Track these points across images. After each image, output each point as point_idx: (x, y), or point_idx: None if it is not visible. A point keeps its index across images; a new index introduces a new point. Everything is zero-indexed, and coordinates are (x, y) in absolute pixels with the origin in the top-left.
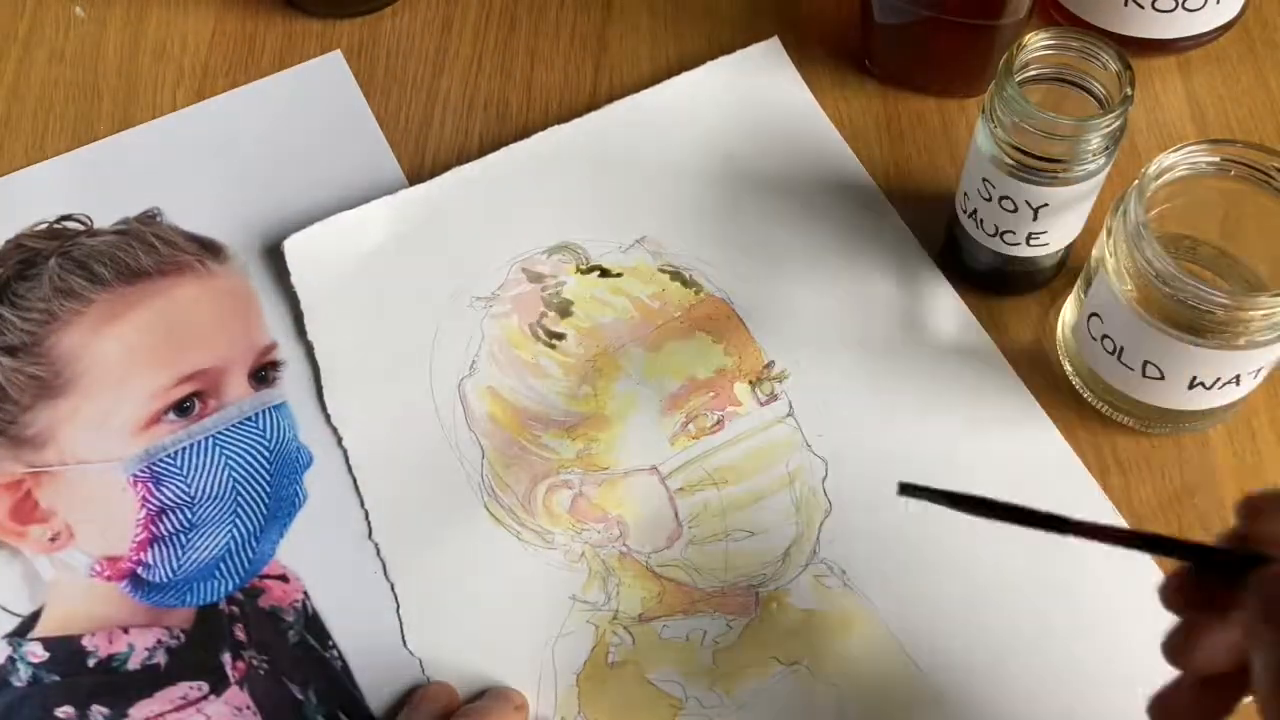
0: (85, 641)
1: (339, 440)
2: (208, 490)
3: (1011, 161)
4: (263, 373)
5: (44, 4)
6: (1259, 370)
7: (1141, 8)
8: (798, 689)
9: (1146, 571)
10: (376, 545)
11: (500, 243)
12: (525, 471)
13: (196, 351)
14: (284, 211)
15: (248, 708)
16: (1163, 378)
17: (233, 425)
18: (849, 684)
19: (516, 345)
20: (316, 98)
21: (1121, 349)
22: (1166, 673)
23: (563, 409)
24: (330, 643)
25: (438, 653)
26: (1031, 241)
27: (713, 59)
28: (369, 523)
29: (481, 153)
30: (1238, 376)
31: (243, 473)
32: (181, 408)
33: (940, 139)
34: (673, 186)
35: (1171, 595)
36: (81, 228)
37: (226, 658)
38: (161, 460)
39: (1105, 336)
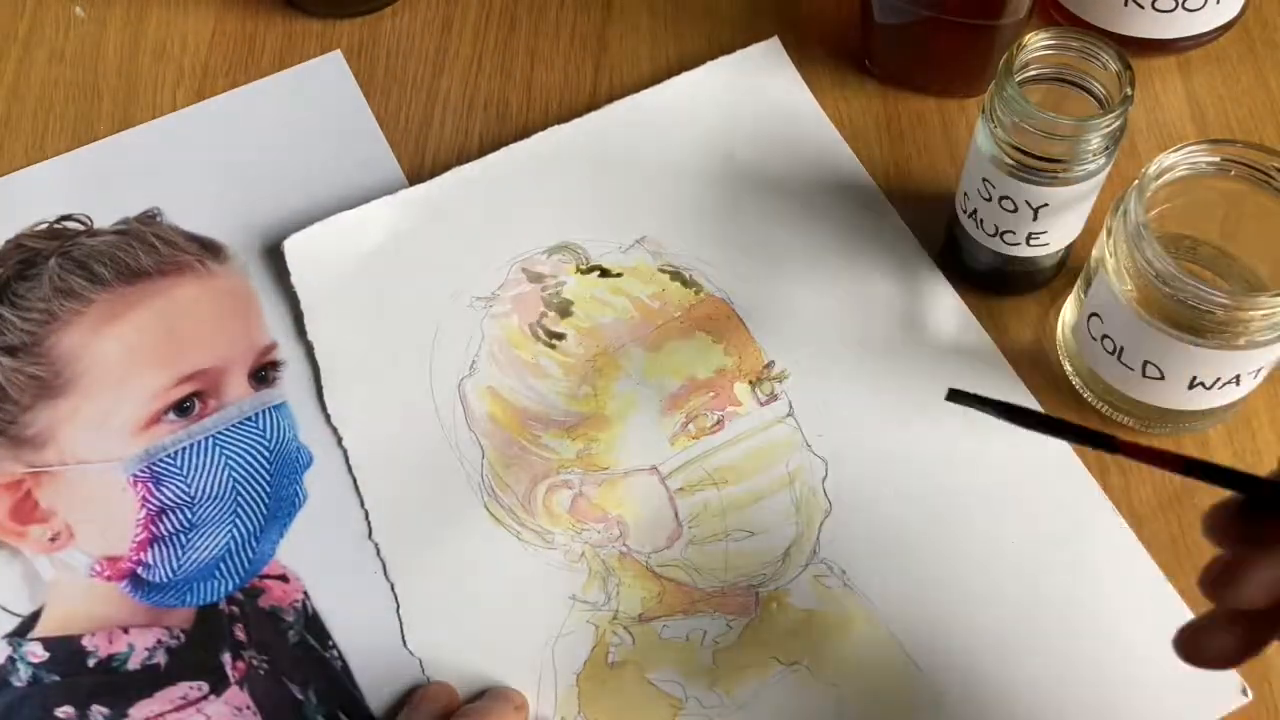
0: (85, 641)
1: (339, 440)
2: (208, 490)
3: (1011, 161)
4: (263, 373)
5: (44, 4)
6: (1259, 370)
7: (1141, 8)
8: (798, 689)
9: (1146, 572)
10: (376, 545)
11: (500, 243)
12: (525, 471)
13: (196, 351)
14: (284, 211)
15: (248, 708)
16: (1163, 378)
17: (233, 425)
18: (849, 684)
19: (516, 345)
20: (316, 98)
21: (1121, 349)
22: (1166, 673)
23: (563, 409)
24: (330, 643)
25: (438, 653)
26: (1031, 241)
27: (713, 59)
28: (369, 523)
29: (481, 153)
30: (1238, 376)
31: (243, 473)
32: (181, 408)
33: (940, 139)
34: (673, 186)
35: (1219, 527)
36: (81, 228)
37: (226, 658)
38: (161, 460)
39: (1105, 336)
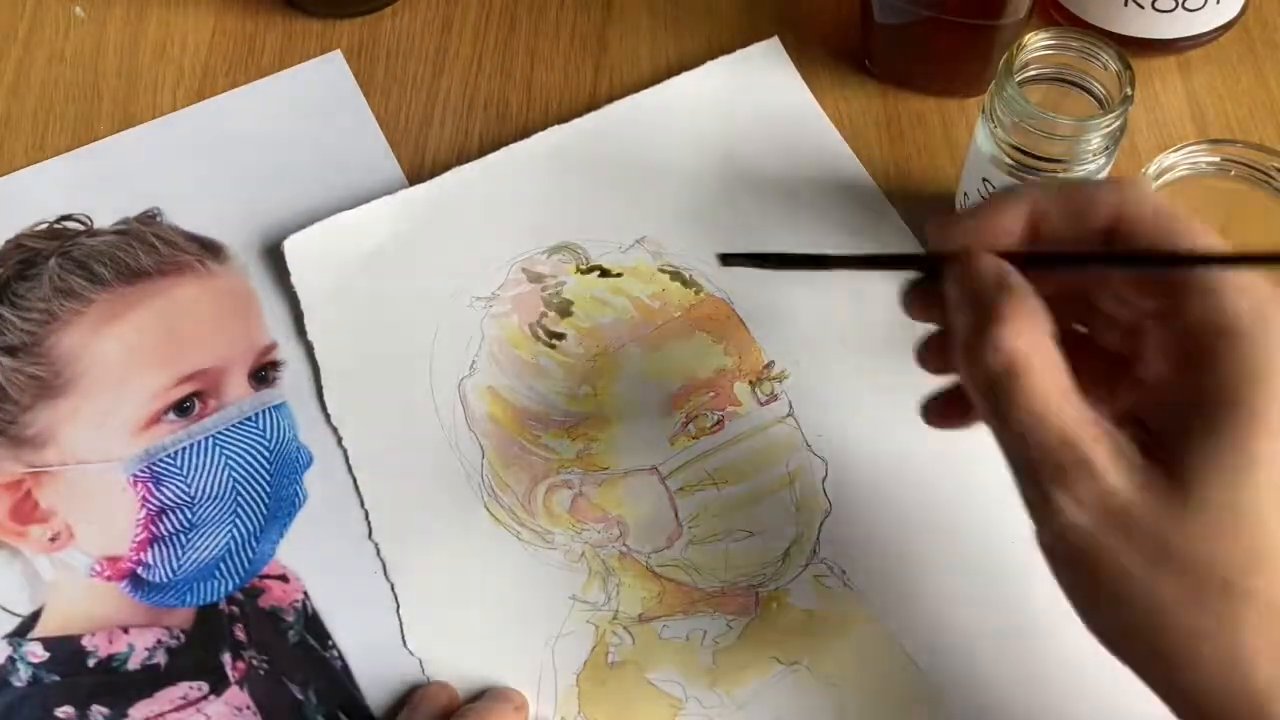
0: (85, 641)
1: (339, 440)
2: (208, 490)
3: (1011, 161)
4: (263, 373)
5: (44, 4)
6: None
7: (1141, 8)
8: (798, 689)
9: None
10: (376, 545)
11: (500, 243)
12: (525, 471)
13: (196, 351)
14: (284, 211)
15: (248, 708)
16: None
17: (233, 425)
18: (849, 684)
19: (516, 345)
20: (316, 98)
21: None
22: None
23: (563, 409)
24: (330, 643)
25: (438, 653)
26: None
27: (713, 59)
28: (369, 523)
29: (481, 153)
30: None
31: (243, 473)
32: (181, 408)
33: (940, 139)
34: (673, 186)
35: (909, 307)
36: (81, 228)
37: (226, 658)
38: (161, 460)
39: None
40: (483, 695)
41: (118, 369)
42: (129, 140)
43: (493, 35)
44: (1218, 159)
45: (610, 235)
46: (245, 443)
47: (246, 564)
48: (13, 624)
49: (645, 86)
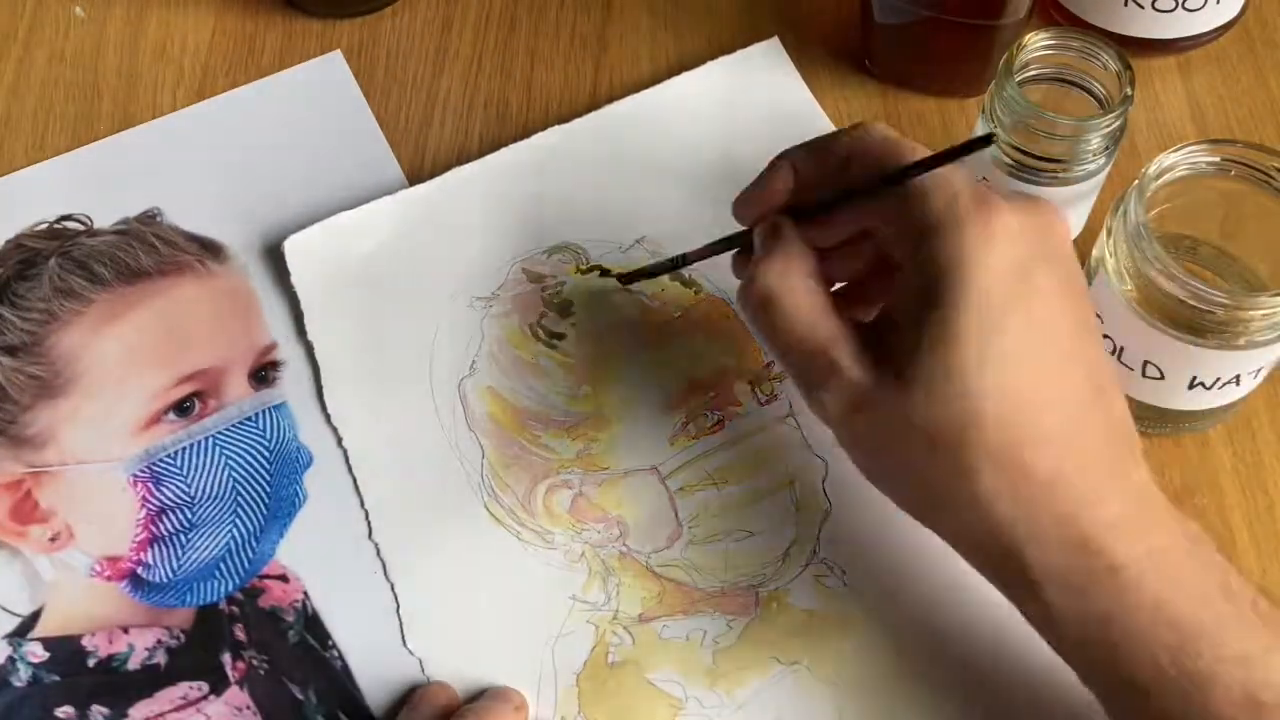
0: (85, 641)
1: (339, 440)
2: (208, 490)
3: (1011, 161)
4: (263, 373)
5: (44, 4)
6: (1259, 370)
7: (1141, 8)
8: (797, 689)
9: None
10: (376, 545)
11: (500, 243)
12: (525, 471)
13: (196, 351)
14: (284, 211)
15: (248, 708)
16: (1163, 378)
17: (233, 425)
18: (848, 684)
19: (516, 345)
20: (316, 98)
21: (1121, 349)
22: None
23: (563, 409)
24: (330, 643)
25: (438, 653)
26: None
27: (713, 59)
28: (369, 523)
29: (481, 153)
30: (1238, 376)
31: (243, 473)
32: (181, 408)
33: (940, 139)
34: (673, 186)
35: (738, 272)
36: (81, 228)
37: (226, 658)
38: (161, 460)
39: (1105, 336)
40: (482, 695)
41: (118, 369)
42: (129, 140)
43: (493, 35)
44: (1218, 159)
45: (610, 235)
46: (245, 443)
47: (246, 564)
48: (13, 624)
49: (645, 86)
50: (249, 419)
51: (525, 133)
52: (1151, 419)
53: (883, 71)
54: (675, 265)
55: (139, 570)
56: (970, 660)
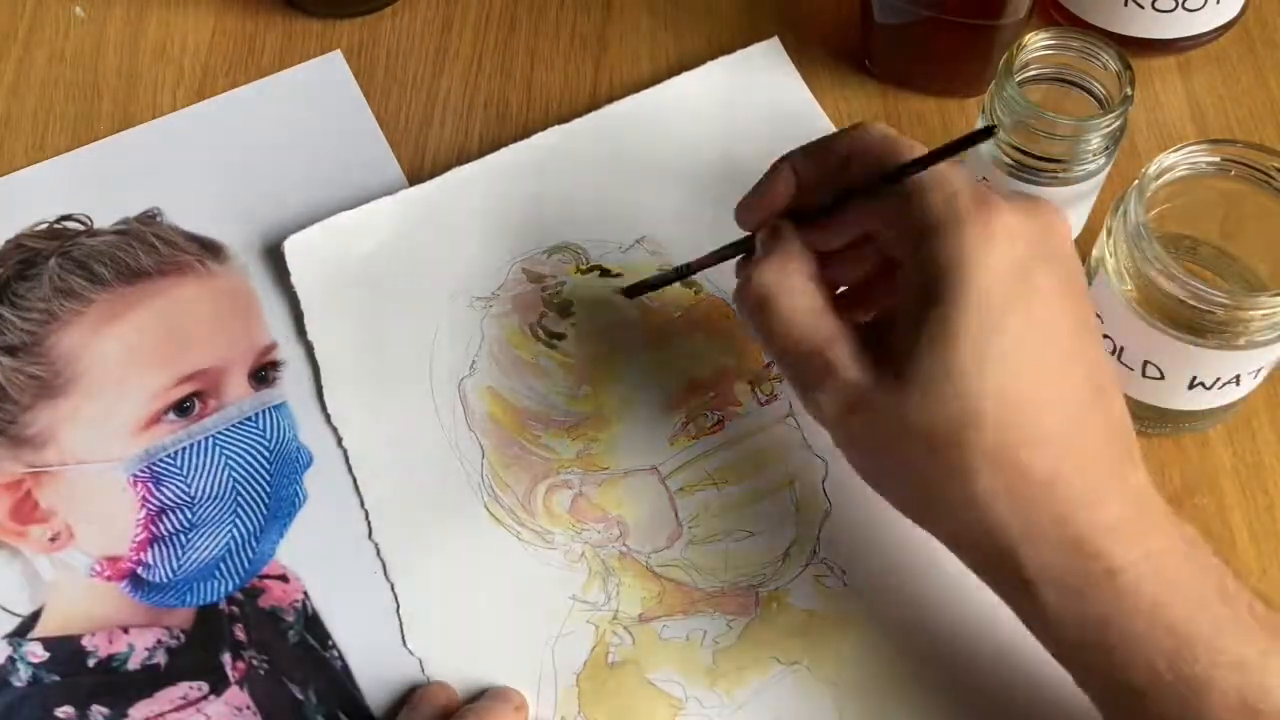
0: (85, 641)
1: (339, 440)
2: (208, 490)
3: (1011, 161)
4: (263, 373)
5: (44, 4)
6: (1259, 370)
7: (1141, 8)
8: (797, 689)
9: None
10: (376, 545)
11: (500, 243)
12: (525, 471)
13: (196, 351)
14: (284, 211)
15: (248, 708)
16: (1163, 378)
17: (233, 425)
18: (848, 684)
19: (516, 345)
20: (316, 98)
21: (1121, 349)
22: None
23: (563, 409)
24: (330, 643)
25: (438, 653)
26: None
27: (713, 59)
28: (369, 523)
29: (481, 153)
30: (1238, 376)
31: (243, 473)
32: (181, 408)
33: (940, 139)
34: (673, 186)
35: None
36: (81, 228)
37: (226, 658)
38: (161, 460)
39: (1105, 336)
40: (483, 695)
41: (118, 369)
42: (129, 140)
43: (493, 35)
44: (1218, 159)
45: (610, 235)
46: (245, 443)
47: (246, 564)
48: (13, 624)
49: (645, 86)
50: (249, 419)
51: (525, 133)
52: (1151, 419)
53: (883, 71)
54: (679, 275)
55: (139, 570)
56: (970, 660)
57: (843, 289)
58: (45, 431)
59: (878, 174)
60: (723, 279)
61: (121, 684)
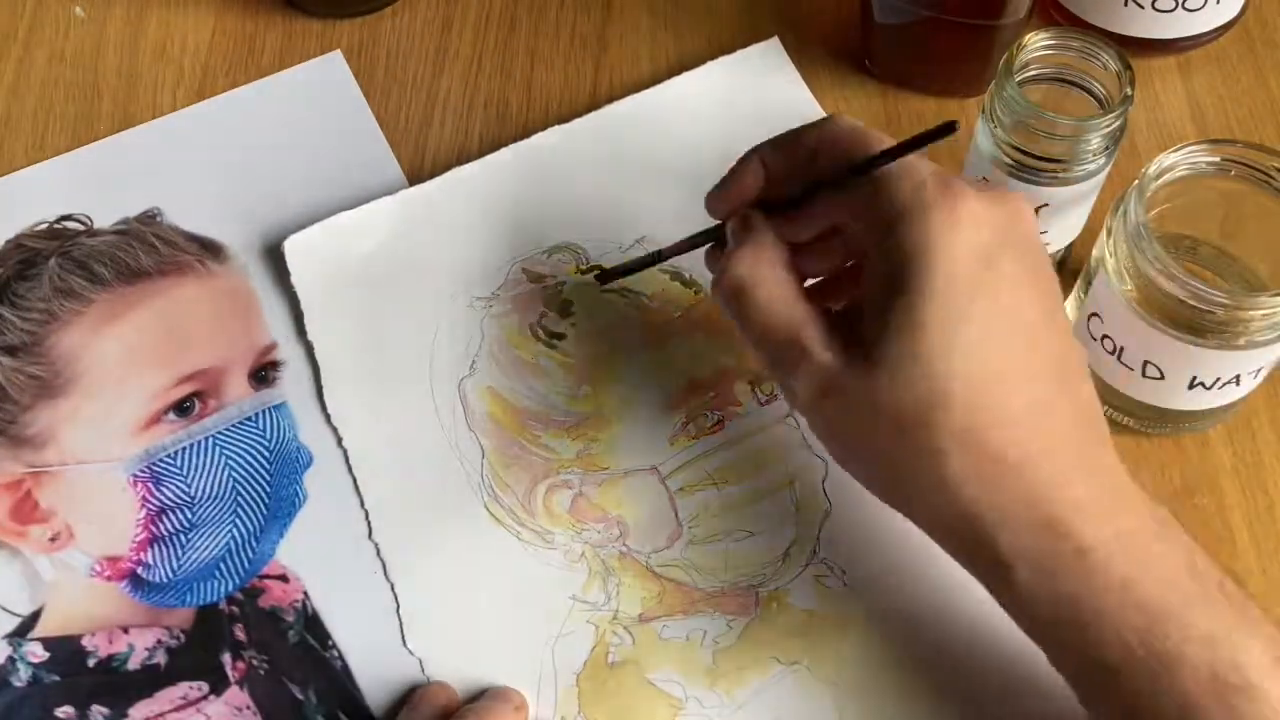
0: (85, 641)
1: (339, 440)
2: (208, 490)
3: (1011, 161)
4: (263, 373)
5: (44, 4)
6: (1259, 370)
7: (1141, 8)
8: (797, 689)
9: None
10: (376, 545)
11: (500, 243)
12: (525, 471)
13: (196, 351)
14: (284, 211)
15: (248, 708)
16: (1163, 378)
17: (233, 425)
18: (848, 684)
19: (516, 345)
20: (316, 98)
21: (1121, 349)
22: None
23: (563, 409)
24: (330, 643)
25: (438, 653)
26: None
27: (713, 59)
28: (369, 523)
29: (481, 153)
30: (1238, 376)
31: (243, 473)
32: (181, 408)
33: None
34: (673, 186)
35: (711, 266)
36: (81, 228)
37: (226, 658)
38: (161, 460)
39: (1105, 336)
40: (483, 695)
41: (118, 369)
42: (129, 140)
43: (493, 35)
44: (1218, 159)
45: (610, 235)
46: (245, 443)
47: (246, 564)
48: (13, 624)
49: (645, 86)
50: (249, 419)
51: (525, 133)
52: (1151, 419)
53: (883, 71)
54: (651, 262)
55: (139, 570)
56: (970, 660)
57: (811, 281)
58: (45, 431)
59: (846, 165)
60: None
61: (121, 684)
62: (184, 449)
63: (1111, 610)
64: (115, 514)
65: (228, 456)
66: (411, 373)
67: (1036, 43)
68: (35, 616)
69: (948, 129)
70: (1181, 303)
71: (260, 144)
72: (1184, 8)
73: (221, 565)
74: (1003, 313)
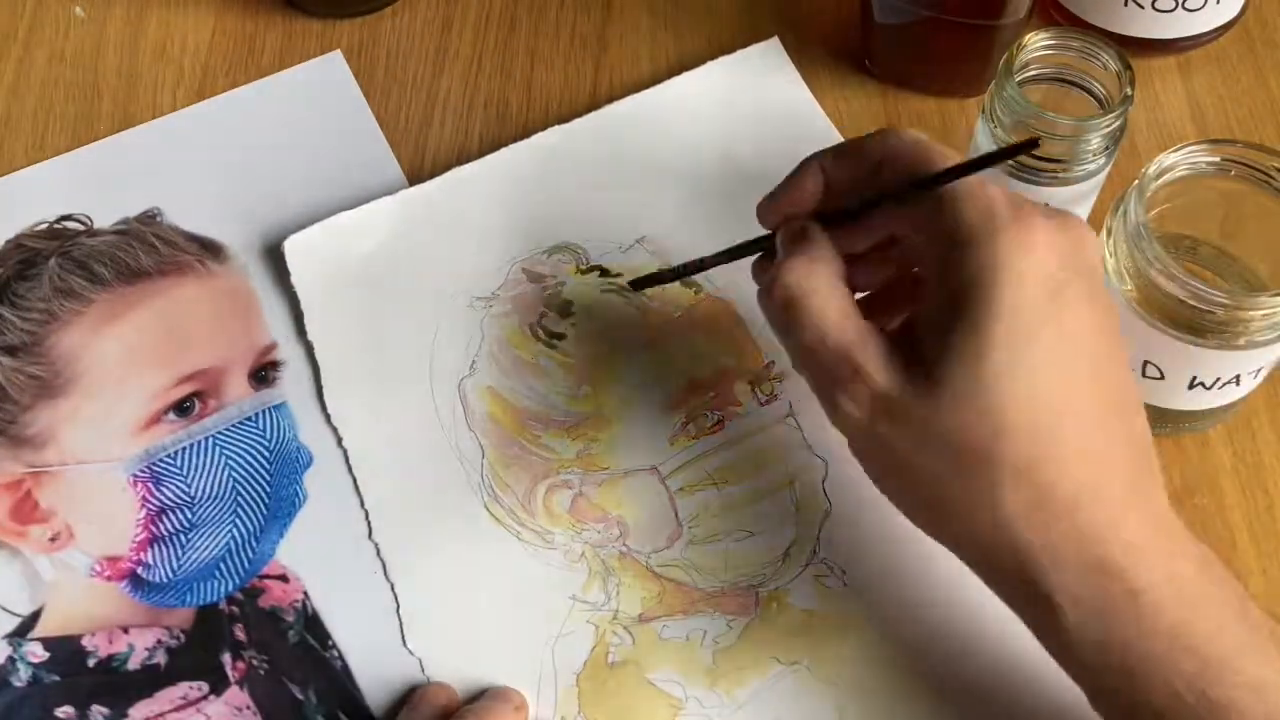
0: (85, 641)
1: (339, 440)
2: (208, 490)
3: (1011, 162)
4: (263, 373)
5: (44, 4)
6: (1259, 370)
7: (1141, 8)
8: (797, 689)
9: None
10: (376, 545)
11: (500, 243)
12: (525, 471)
13: (196, 351)
14: (284, 211)
15: (248, 708)
16: (1163, 378)
17: (233, 425)
18: (848, 684)
19: (516, 345)
20: (316, 98)
21: None
22: None
23: (563, 409)
24: (330, 643)
25: (438, 653)
26: None
27: (713, 59)
28: (369, 523)
29: (481, 153)
30: (1238, 376)
31: (243, 473)
32: (181, 408)
33: (940, 139)
34: (672, 186)
35: (758, 278)
36: (81, 228)
37: (226, 658)
38: (161, 460)
39: None
40: (483, 695)
41: (118, 369)
42: (129, 140)
43: (493, 35)
44: (1218, 159)
45: (610, 235)
46: (245, 443)
47: (246, 564)
48: (13, 624)
49: (645, 86)
50: (249, 419)
51: (525, 133)
52: (1151, 419)
53: (883, 71)
54: (691, 270)
55: (139, 570)
56: (970, 660)
57: (862, 294)
58: (45, 431)
59: (910, 180)
60: (723, 279)
61: (121, 684)
62: (184, 449)
63: (1161, 655)
64: (115, 514)
65: (228, 456)
66: (411, 373)
67: (1036, 43)
68: (35, 616)
69: (1030, 145)
70: (1181, 303)
71: (260, 144)
72: (1184, 8)
73: (221, 565)
74: (1068, 343)
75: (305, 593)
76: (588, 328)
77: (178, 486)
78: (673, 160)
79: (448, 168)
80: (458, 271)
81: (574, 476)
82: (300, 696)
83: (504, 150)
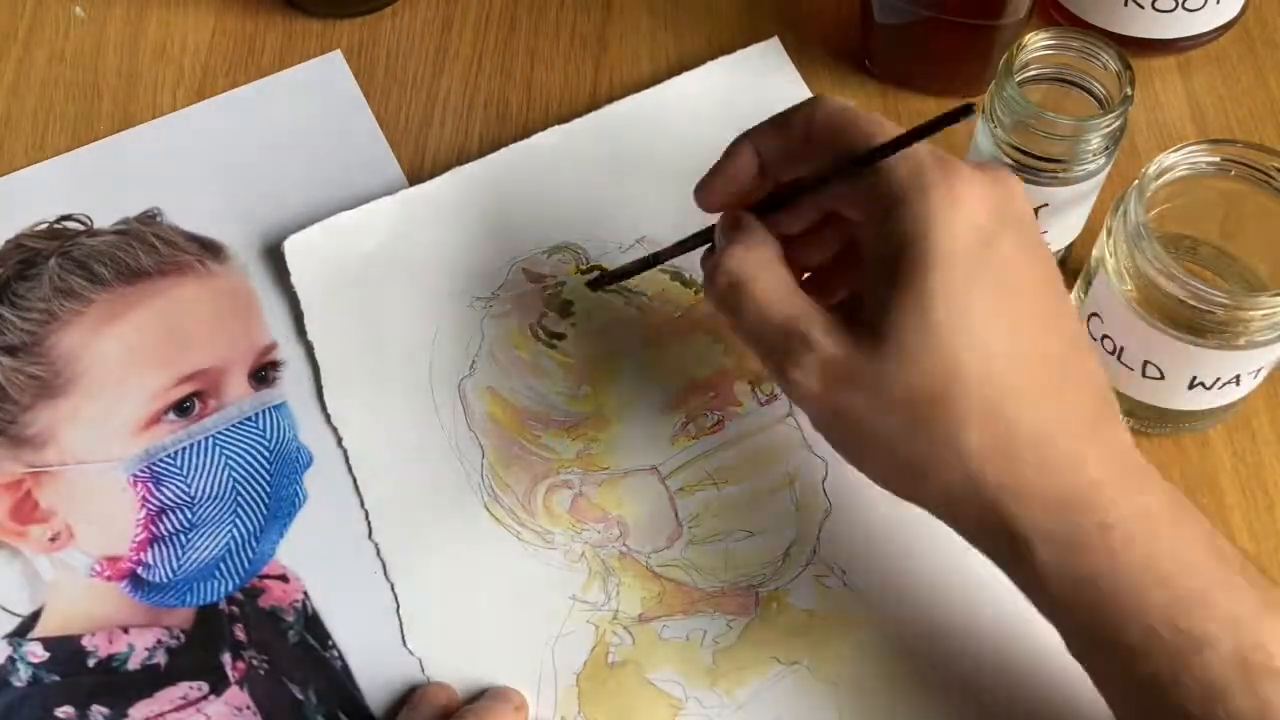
0: (85, 641)
1: (339, 440)
2: (208, 490)
3: (1011, 161)
4: (263, 373)
5: (44, 4)
6: (1259, 370)
7: (1141, 8)
8: (798, 689)
9: None
10: (376, 545)
11: (500, 243)
12: (525, 471)
13: (196, 351)
14: (284, 211)
15: (248, 708)
16: (1163, 378)
17: (233, 425)
18: (848, 684)
19: (516, 345)
20: (316, 98)
21: (1121, 349)
22: None
23: (563, 409)
24: (330, 643)
25: (438, 653)
26: None
27: (713, 59)
28: (369, 523)
29: (481, 153)
30: (1238, 376)
31: (243, 473)
32: (181, 408)
33: (940, 139)
34: (673, 186)
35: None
36: (81, 228)
37: (226, 658)
38: (161, 460)
39: (1105, 336)
40: (483, 695)
41: (118, 369)
42: (129, 140)
43: (493, 35)
44: (1218, 159)
45: (610, 235)
46: (245, 443)
47: (246, 564)
48: (13, 624)
49: (645, 86)
50: (249, 419)
51: (525, 133)
52: (1151, 419)
53: (883, 71)
54: (647, 265)
55: (139, 570)
56: (970, 660)
57: (806, 275)
58: (45, 431)
59: (848, 158)
60: None
61: (121, 684)
62: (184, 449)
63: (1132, 588)
64: (115, 514)
65: (228, 456)
66: (411, 373)
67: (1036, 43)
68: (35, 616)
69: (965, 111)
70: (1181, 303)
71: (260, 144)
72: (1184, 8)
73: (221, 565)
74: (1008, 288)
75: (305, 593)
76: (588, 328)
77: (178, 486)
78: (673, 160)
79: (448, 168)
80: (458, 271)
81: (574, 476)
82: (300, 696)
83: (504, 150)
